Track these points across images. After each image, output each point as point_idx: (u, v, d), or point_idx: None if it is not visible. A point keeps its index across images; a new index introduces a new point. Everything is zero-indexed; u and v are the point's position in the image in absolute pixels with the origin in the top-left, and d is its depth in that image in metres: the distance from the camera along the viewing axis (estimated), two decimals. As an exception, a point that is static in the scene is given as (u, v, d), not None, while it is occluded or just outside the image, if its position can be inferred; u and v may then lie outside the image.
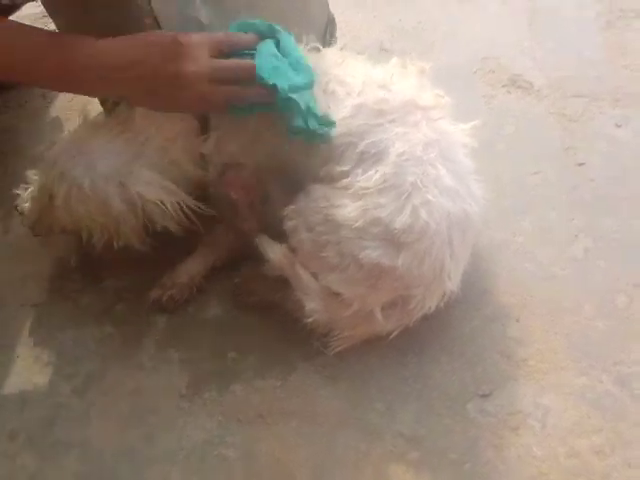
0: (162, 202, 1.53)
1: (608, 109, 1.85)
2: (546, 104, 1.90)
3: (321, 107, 1.46)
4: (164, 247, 1.65)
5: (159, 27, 1.64)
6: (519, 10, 2.16)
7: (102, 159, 1.54)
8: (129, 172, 1.53)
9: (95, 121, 1.66)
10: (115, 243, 1.61)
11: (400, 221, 1.33)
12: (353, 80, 1.52)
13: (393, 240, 1.35)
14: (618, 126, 1.81)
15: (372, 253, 1.36)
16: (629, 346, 1.45)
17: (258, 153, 1.57)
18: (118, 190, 1.52)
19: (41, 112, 2.23)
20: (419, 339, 1.51)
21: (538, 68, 1.99)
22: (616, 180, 1.71)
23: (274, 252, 1.49)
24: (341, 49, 1.64)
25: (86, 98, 2.19)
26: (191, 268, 1.67)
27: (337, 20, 2.21)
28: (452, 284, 1.42)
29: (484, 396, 1.43)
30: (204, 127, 1.58)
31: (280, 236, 1.51)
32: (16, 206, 1.68)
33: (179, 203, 1.55)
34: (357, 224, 1.36)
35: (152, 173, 1.55)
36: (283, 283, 1.51)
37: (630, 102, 1.85)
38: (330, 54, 1.63)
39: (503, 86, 1.97)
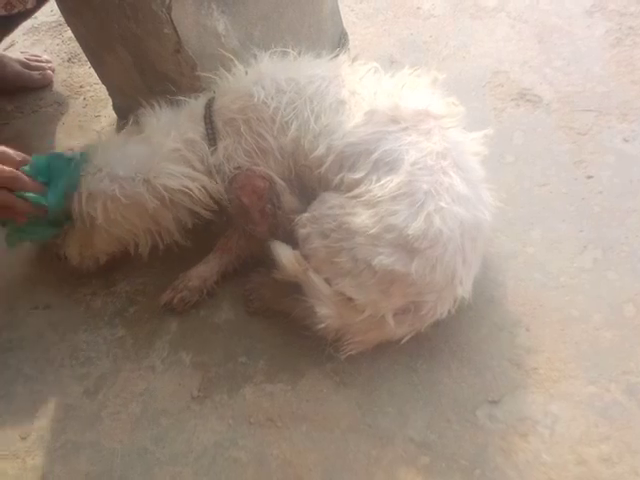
0: (187, 188, 1.58)
1: (616, 123, 1.88)
2: (555, 118, 1.93)
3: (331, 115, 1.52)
4: (177, 252, 1.67)
5: (178, 37, 1.68)
6: (530, 27, 2.20)
7: (120, 165, 1.58)
8: (149, 168, 1.58)
9: (104, 140, 1.74)
10: (160, 243, 1.66)
11: (414, 227, 1.35)
12: (365, 89, 1.56)
13: (407, 246, 1.37)
14: (626, 140, 1.83)
15: (386, 259, 1.37)
16: (637, 355, 1.47)
17: (268, 161, 1.61)
18: (145, 187, 1.57)
19: (55, 118, 2.26)
20: (429, 346, 1.53)
21: (547, 83, 2.02)
22: (624, 192, 1.73)
23: (287, 257, 1.51)
24: (353, 60, 1.66)
25: (100, 105, 2.25)
26: (203, 272, 1.69)
27: (349, 33, 2.26)
28: (464, 290, 1.44)
29: (493, 402, 1.44)
30: (212, 139, 1.62)
31: (291, 242, 1.54)
32: (57, 254, 1.71)
33: (203, 187, 1.60)
34: (372, 231, 1.38)
35: (170, 164, 1.59)
36: (294, 289, 1.53)
37: (637, 117, 1.88)
38: (342, 64, 1.66)
39: (512, 100, 2.00)
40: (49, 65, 2.40)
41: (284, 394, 1.52)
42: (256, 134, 1.58)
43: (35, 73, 2.36)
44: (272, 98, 1.56)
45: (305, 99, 1.54)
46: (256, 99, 1.56)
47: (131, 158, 1.60)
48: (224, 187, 1.63)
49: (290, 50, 1.66)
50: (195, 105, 1.67)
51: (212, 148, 1.61)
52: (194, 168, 1.60)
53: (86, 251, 1.68)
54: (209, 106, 1.64)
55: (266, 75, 1.60)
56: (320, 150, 1.50)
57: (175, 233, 1.66)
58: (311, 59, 1.67)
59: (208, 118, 1.62)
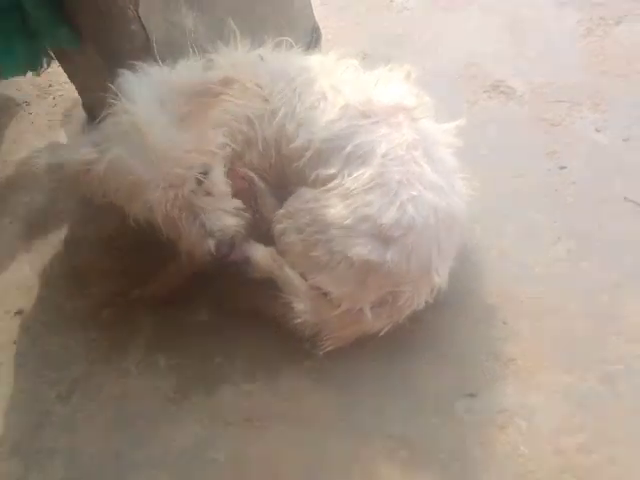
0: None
1: (588, 113, 1.89)
2: (528, 109, 1.93)
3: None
4: (151, 253, 1.65)
5: (146, 33, 1.65)
6: (501, 19, 2.20)
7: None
8: None
9: None
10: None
11: (388, 216, 1.36)
12: (343, 84, 1.55)
13: (381, 235, 1.37)
14: (598, 130, 1.84)
15: (361, 250, 1.38)
16: (612, 344, 1.48)
17: (252, 153, 1.58)
18: None
19: (23, 118, 2.22)
20: (407, 341, 1.52)
21: (520, 74, 2.02)
22: (597, 182, 1.74)
23: (260, 254, 1.50)
24: (329, 53, 1.65)
25: (70, 104, 2.21)
26: (176, 269, 1.66)
27: (322, 26, 2.24)
28: (440, 279, 1.44)
29: (471, 395, 1.44)
30: None
31: (265, 241, 1.53)
32: None
33: None
34: (346, 222, 1.38)
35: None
36: (270, 287, 1.51)
37: (609, 107, 1.89)
38: (320, 59, 1.65)
39: (485, 92, 2.00)
40: None
41: (262, 393, 1.50)
42: (245, 120, 1.56)
43: None
44: (268, 86, 1.55)
45: (293, 90, 1.54)
46: (254, 81, 1.53)
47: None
48: None
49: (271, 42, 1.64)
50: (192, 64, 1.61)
51: None
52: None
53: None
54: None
55: (263, 63, 1.59)
56: (300, 140, 1.50)
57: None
58: (298, 53, 1.66)
59: None
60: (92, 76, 1.89)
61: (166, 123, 1.40)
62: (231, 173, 1.57)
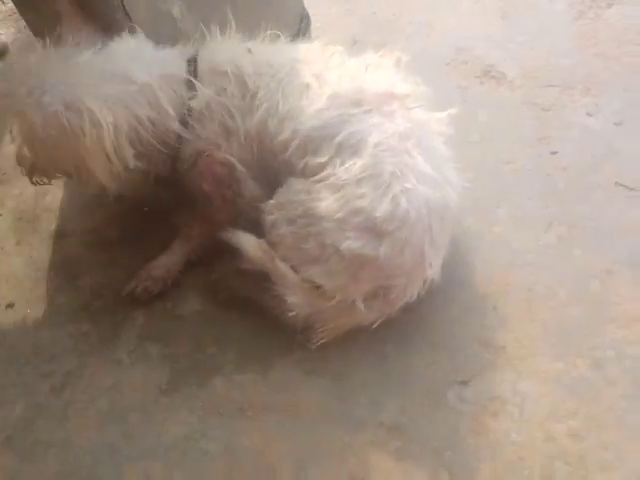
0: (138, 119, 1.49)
1: (579, 98, 1.88)
2: (519, 94, 1.92)
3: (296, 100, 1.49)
4: (140, 244, 1.64)
5: (130, 21, 1.63)
6: (492, 3, 2.18)
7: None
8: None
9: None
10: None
11: (381, 209, 1.34)
12: (329, 72, 1.53)
13: (374, 229, 1.35)
14: (589, 115, 1.83)
15: (354, 243, 1.36)
16: (603, 331, 1.48)
17: (231, 144, 1.57)
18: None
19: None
20: (399, 330, 1.52)
21: (511, 59, 2.01)
22: (588, 168, 1.73)
23: (251, 246, 1.49)
24: (314, 41, 1.63)
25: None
26: (166, 261, 1.66)
27: (311, 13, 2.22)
28: (433, 272, 1.43)
29: (464, 383, 1.44)
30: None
31: (255, 231, 1.51)
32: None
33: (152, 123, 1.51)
34: (338, 215, 1.37)
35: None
36: (261, 278, 1.50)
37: (601, 90, 1.88)
38: (305, 48, 1.63)
39: (476, 77, 1.99)
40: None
41: (254, 384, 1.50)
42: (226, 110, 1.55)
43: None
44: (253, 79, 1.54)
45: (277, 83, 1.52)
46: (242, 74, 1.54)
47: (78, 75, 1.47)
48: (185, 171, 1.60)
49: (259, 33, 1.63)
50: (181, 50, 1.62)
51: (192, 93, 1.56)
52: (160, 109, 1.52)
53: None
54: (195, 56, 1.59)
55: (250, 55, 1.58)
56: (285, 134, 1.48)
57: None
58: (286, 43, 1.64)
59: (193, 62, 1.58)
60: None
61: None
62: (209, 159, 1.56)
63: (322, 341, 1.47)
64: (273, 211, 1.48)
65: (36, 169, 1.59)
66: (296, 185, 1.47)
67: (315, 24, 2.21)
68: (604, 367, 1.43)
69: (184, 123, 1.57)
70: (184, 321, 1.63)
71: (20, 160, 1.58)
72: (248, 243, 1.48)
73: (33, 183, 1.63)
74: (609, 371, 1.42)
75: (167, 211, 1.68)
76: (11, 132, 1.57)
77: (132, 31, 1.58)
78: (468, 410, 1.41)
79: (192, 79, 1.55)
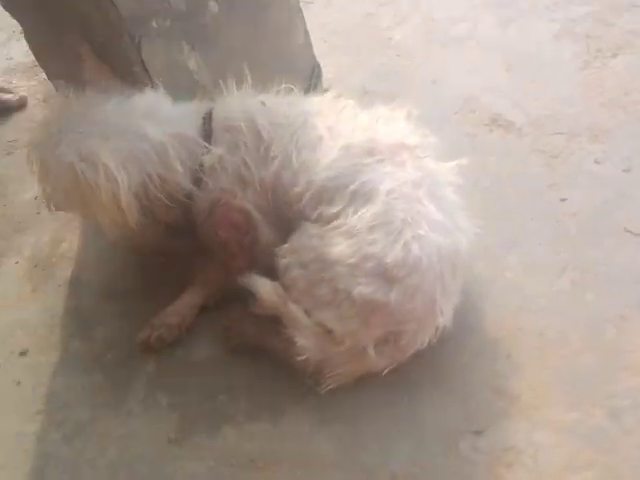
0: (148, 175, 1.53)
1: (587, 145, 1.89)
2: (527, 142, 1.94)
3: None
4: (156, 295, 1.66)
5: (148, 75, 1.68)
6: (499, 53, 2.23)
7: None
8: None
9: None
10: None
11: (392, 255, 1.36)
12: (341, 125, 1.57)
13: (386, 275, 1.37)
14: (597, 162, 1.85)
15: (365, 289, 1.37)
16: (619, 379, 1.45)
17: (247, 192, 1.60)
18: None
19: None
20: (410, 377, 1.51)
21: (518, 107, 2.04)
22: (598, 214, 1.74)
23: (265, 289, 1.50)
24: (325, 92, 1.68)
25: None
26: (181, 308, 1.67)
27: (322, 64, 2.28)
28: (444, 319, 1.43)
29: (477, 433, 1.42)
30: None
31: (269, 276, 1.52)
32: None
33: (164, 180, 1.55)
34: (350, 260, 1.38)
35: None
36: (272, 324, 1.51)
37: (608, 138, 1.89)
38: (317, 100, 1.68)
39: (485, 125, 2.02)
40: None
41: (265, 433, 1.49)
42: (241, 161, 1.58)
43: (10, 96, 2.44)
44: (267, 131, 1.58)
45: (291, 135, 1.56)
46: (256, 126, 1.58)
47: (94, 126, 1.52)
48: (202, 219, 1.63)
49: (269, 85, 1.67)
50: (198, 105, 1.67)
51: (205, 150, 1.60)
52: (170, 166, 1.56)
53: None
54: (210, 112, 1.64)
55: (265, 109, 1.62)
56: (299, 186, 1.52)
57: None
58: (299, 95, 1.69)
59: (208, 118, 1.62)
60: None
61: None
62: (226, 207, 1.59)
63: (332, 386, 1.46)
64: (287, 255, 1.50)
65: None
66: (310, 230, 1.49)
67: (327, 75, 2.27)
68: (620, 416, 1.39)
69: (197, 179, 1.60)
70: (195, 368, 1.63)
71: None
72: (264, 287, 1.50)
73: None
74: (625, 420, 1.39)
75: (183, 260, 1.70)
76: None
77: (154, 87, 1.64)
78: (482, 461, 1.38)
79: (200, 141, 1.60)
